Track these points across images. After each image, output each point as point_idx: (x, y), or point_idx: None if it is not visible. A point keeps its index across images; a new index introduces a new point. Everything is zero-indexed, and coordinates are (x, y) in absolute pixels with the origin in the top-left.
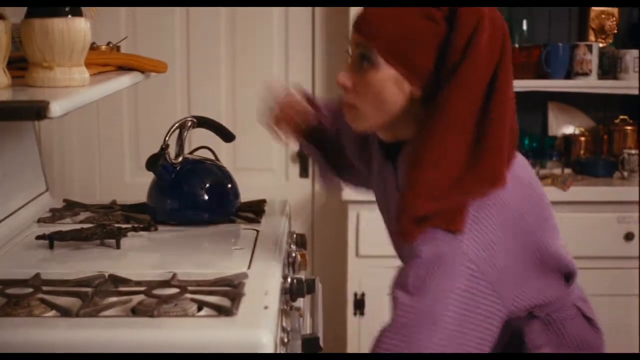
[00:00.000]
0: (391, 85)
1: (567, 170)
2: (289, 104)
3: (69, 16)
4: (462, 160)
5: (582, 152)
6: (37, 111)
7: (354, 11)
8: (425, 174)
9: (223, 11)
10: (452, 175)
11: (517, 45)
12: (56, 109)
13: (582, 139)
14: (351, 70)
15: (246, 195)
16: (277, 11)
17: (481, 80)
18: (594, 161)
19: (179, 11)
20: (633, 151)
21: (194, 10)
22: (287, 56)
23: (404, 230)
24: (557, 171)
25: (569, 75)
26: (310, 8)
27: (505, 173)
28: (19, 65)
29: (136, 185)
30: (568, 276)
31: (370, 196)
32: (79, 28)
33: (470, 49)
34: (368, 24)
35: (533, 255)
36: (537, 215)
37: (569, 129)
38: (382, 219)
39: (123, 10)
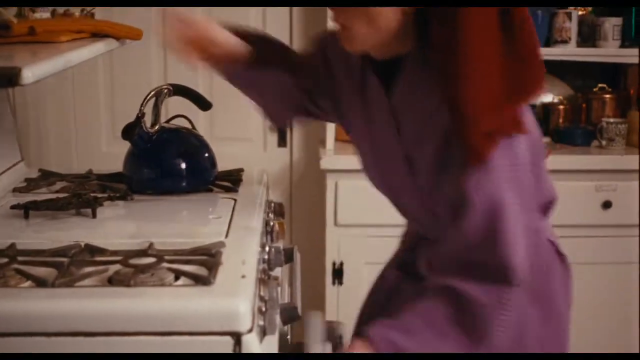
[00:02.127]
0: None
1: (546, 139)
2: (189, 26)
3: None
4: (502, 68)
5: (560, 120)
6: (9, 78)
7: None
8: (475, 90)
9: None
10: (499, 84)
11: None
12: (28, 75)
13: (561, 107)
14: None
15: (224, 164)
16: (254, 11)
17: None
18: (572, 130)
19: None
20: (611, 120)
21: None
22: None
23: (477, 149)
24: None
25: (547, 43)
26: (287, 8)
27: (543, 75)
28: None
29: (112, 155)
30: (547, 206)
31: (350, 164)
32: None
33: None
34: None
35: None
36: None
37: (548, 97)
38: (362, 148)
39: None
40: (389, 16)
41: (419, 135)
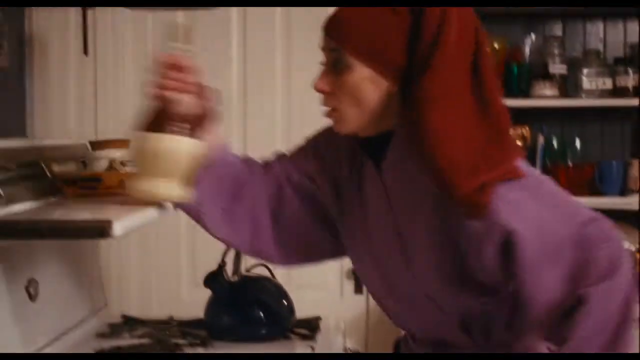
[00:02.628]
0: (368, 84)
1: None
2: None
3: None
4: (477, 135)
5: (638, 269)
6: (100, 231)
7: None
8: (451, 151)
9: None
10: (476, 148)
11: (570, 163)
12: (118, 228)
13: (638, 256)
14: (327, 76)
15: (301, 311)
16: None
17: (459, 68)
18: None
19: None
20: None
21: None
22: None
23: (473, 203)
24: None
25: (622, 193)
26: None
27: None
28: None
29: (192, 301)
30: None
31: None
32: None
33: (440, 38)
34: (337, 28)
35: None
36: None
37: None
38: (358, 250)
39: None
40: (374, 97)
41: (410, 209)
